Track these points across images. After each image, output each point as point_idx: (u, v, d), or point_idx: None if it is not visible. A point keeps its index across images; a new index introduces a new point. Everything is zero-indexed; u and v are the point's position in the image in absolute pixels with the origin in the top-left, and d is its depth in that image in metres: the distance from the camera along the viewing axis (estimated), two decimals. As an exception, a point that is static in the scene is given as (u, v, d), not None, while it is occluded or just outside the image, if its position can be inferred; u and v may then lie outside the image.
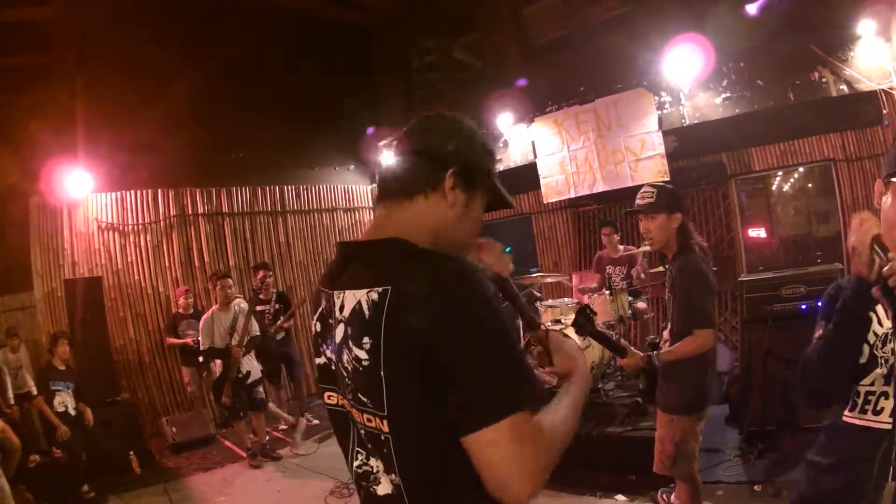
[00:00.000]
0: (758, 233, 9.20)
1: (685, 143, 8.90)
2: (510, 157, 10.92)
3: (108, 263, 9.83)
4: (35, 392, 8.24)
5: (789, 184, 9.79)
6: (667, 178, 8.67)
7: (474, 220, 1.77)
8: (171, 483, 7.79)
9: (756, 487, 5.61)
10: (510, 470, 1.37)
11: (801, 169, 9.15)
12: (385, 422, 1.52)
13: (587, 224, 10.80)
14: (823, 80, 7.88)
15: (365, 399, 1.56)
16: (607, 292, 8.12)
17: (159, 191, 10.35)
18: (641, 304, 8.58)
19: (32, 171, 8.77)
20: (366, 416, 1.58)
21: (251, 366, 8.43)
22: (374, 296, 1.51)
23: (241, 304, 8.45)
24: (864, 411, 2.32)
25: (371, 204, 13.43)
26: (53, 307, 9.18)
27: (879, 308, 2.28)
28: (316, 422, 9.49)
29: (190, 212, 10.70)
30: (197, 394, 9.74)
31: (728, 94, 8.44)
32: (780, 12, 7.59)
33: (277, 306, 9.43)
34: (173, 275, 10.35)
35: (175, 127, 9.47)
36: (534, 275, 9.22)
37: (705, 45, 7.92)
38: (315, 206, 12.53)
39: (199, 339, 8.30)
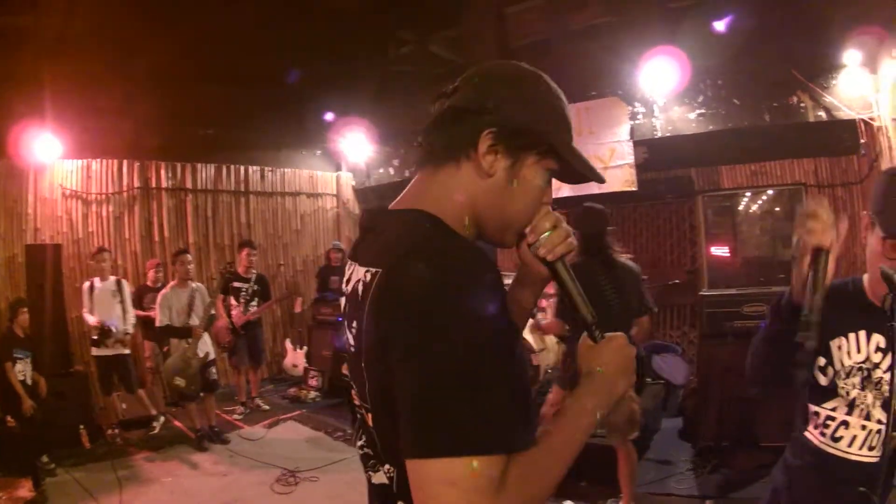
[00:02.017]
0: (722, 250, 9.58)
1: (655, 155, 9.12)
2: None
3: (70, 232, 9.91)
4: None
5: (757, 204, 10.07)
6: (634, 189, 9.02)
7: (530, 194, 1.56)
8: (118, 460, 7.90)
9: (708, 502, 5.80)
10: None
11: (770, 191, 9.23)
12: (370, 416, 1.45)
13: None
14: (802, 104, 8.08)
15: (355, 386, 1.52)
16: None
17: (125, 162, 10.46)
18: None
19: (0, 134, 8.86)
20: (358, 401, 1.53)
21: (208, 346, 8.62)
22: (368, 276, 1.40)
23: (200, 285, 8.75)
24: (823, 434, 2.41)
25: (335, 191, 13.79)
26: (13, 272, 9.22)
27: (852, 338, 2.36)
28: (266, 407, 9.76)
29: (153, 185, 10.82)
30: (156, 370, 9.73)
31: (703, 110, 8.65)
32: (765, 35, 7.81)
33: (256, 287, 9.62)
34: (132, 248, 10.46)
35: (145, 98, 9.49)
36: None
37: (683, 60, 8.10)
38: (279, 189, 12.78)
39: (157, 314, 8.43)
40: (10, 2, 7.85)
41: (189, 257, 8.73)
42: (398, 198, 1.63)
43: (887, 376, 2.25)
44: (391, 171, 12.93)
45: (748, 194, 9.52)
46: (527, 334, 7.73)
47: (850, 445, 2.33)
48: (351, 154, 12.93)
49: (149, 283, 9.70)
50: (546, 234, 1.56)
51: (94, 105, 9.28)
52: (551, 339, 8.15)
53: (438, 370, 1.19)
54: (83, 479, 7.32)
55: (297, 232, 13.09)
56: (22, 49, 8.39)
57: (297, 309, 12.20)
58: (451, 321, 1.20)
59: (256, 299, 9.65)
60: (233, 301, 9.48)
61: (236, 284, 9.52)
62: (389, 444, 1.39)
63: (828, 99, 8.02)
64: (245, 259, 9.63)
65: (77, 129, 9.44)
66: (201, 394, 8.52)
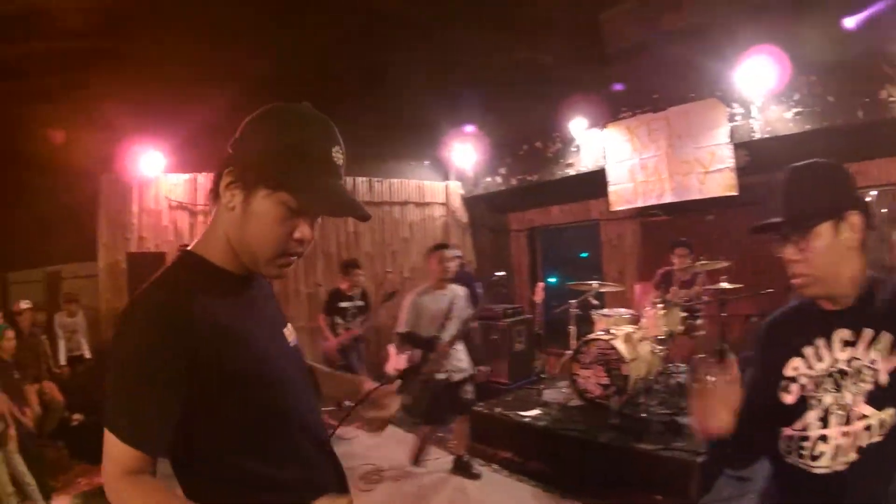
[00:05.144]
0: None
1: (755, 157, 9.25)
2: (581, 161, 11.54)
3: (176, 240, 10.72)
4: (88, 355, 9.66)
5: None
6: (735, 193, 9.20)
7: (261, 226, 1.89)
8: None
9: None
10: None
11: (873, 192, 9.19)
12: None
13: (654, 235, 11.41)
14: (892, 99, 7.93)
15: None
16: (661, 306, 8.70)
17: (232, 174, 11.27)
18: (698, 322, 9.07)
19: (106, 148, 9.83)
20: None
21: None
22: None
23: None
24: (801, 456, 2.35)
25: (444, 200, 14.48)
26: (116, 278, 10.13)
27: (811, 348, 2.38)
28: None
29: (260, 196, 11.61)
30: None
31: (799, 109, 8.63)
32: (863, 27, 7.72)
33: (361, 303, 10.25)
34: (239, 258, 11.29)
35: (248, 111, 10.31)
36: (591, 283, 9.57)
37: (780, 58, 8.26)
38: (387, 199, 13.57)
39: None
40: (112, 24, 8.69)
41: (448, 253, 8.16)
42: None
43: (865, 360, 2.27)
44: (498, 179, 13.50)
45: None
46: (619, 344, 8.25)
47: (833, 458, 2.29)
48: (459, 163, 13.71)
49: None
50: None
51: (197, 121, 9.87)
52: (644, 349, 8.56)
53: (113, 373, 1.72)
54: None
55: (405, 240, 13.87)
56: (126, 68, 9.27)
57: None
58: (123, 350, 1.74)
59: (361, 315, 10.17)
60: (339, 320, 9.99)
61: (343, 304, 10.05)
62: None
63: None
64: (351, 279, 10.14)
65: (181, 144, 10.34)
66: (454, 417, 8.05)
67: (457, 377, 7.62)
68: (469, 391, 7.81)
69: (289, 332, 2.25)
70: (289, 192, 1.84)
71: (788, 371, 2.41)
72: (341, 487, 2.19)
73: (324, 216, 2.05)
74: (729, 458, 2.56)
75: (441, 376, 7.47)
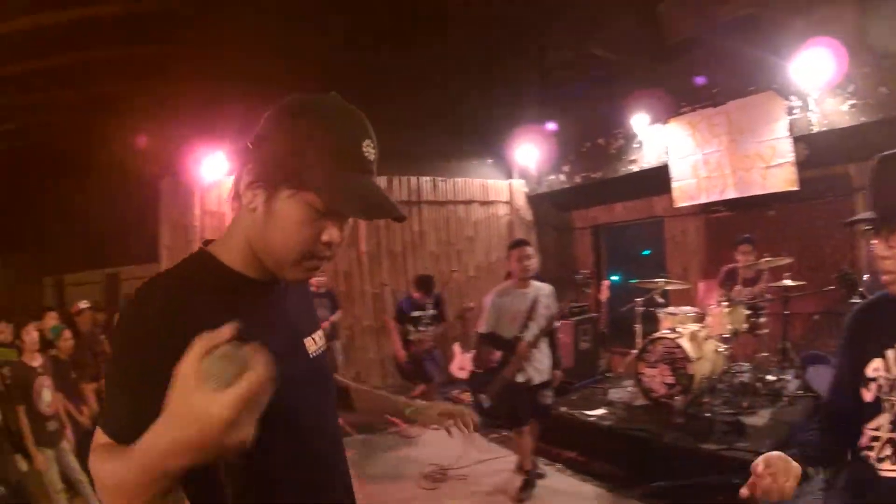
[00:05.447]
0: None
1: (813, 151, 9.12)
2: (644, 157, 11.46)
3: None
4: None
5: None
6: (796, 188, 9.09)
7: (286, 228, 1.73)
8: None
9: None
10: None
11: None
12: None
13: (716, 231, 11.35)
14: None
15: None
16: (725, 304, 8.72)
17: (294, 175, 11.31)
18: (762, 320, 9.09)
19: (168, 152, 10.03)
20: None
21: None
22: None
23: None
24: (869, 456, 2.37)
25: (507, 198, 14.48)
26: None
27: (893, 351, 2.36)
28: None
29: (325, 196, 11.65)
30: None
31: (854, 101, 8.42)
32: None
33: (433, 311, 10.36)
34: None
35: None
36: (657, 281, 9.53)
37: (836, 49, 8.09)
38: (451, 198, 13.63)
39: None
40: (172, 30, 8.89)
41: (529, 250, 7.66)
42: None
43: None
44: (562, 177, 13.51)
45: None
46: (685, 342, 8.23)
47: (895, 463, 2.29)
48: (522, 161, 13.74)
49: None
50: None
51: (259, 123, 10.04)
52: (709, 348, 8.53)
53: (107, 369, 1.76)
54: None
55: (469, 239, 13.92)
56: (188, 73, 9.51)
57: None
58: (117, 341, 1.70)
59: (433, 324, 10.31)
60: (410, 327, 10.16)
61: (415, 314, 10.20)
62: None
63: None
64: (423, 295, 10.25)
65: (244, 148, 10.31)
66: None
67: (537, 380, 7.47)
68: (548, 395, 7.66)
69: (313, 340, 2.10)
70: (314, 193, 1.69)
71: (869, 371, 2.41)
72: (346, 494, 2.14)
73: None
74: (817, 457, 2.49)
75: (521, 379, 7.36)
